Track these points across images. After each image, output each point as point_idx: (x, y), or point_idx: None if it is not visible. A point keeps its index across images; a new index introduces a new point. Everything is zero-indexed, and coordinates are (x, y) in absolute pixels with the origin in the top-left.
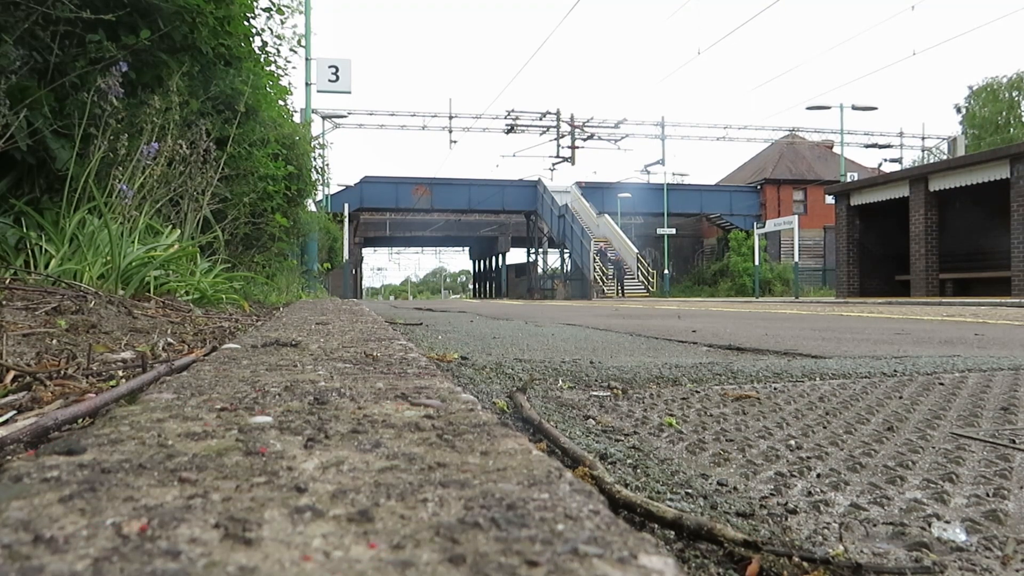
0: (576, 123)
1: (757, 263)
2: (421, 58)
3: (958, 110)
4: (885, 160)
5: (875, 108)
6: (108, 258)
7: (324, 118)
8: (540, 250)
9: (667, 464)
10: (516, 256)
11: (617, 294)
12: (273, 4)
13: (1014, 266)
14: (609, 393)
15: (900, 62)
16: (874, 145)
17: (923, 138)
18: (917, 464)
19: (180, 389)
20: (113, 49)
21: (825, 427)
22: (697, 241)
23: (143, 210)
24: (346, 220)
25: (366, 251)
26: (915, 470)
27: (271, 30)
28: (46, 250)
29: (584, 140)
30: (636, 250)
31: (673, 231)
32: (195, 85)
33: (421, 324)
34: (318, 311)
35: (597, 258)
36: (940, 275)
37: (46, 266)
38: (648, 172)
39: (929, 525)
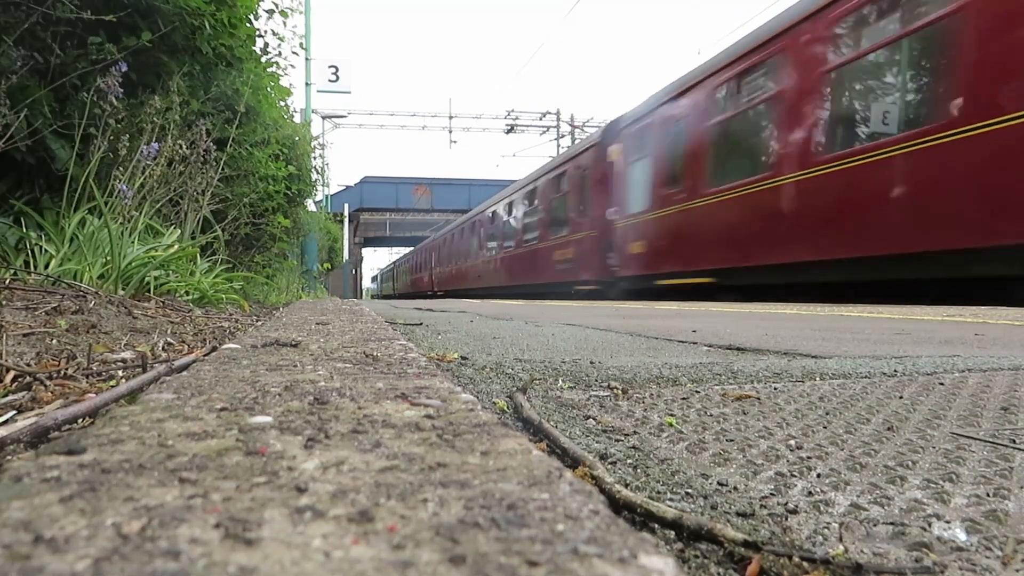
0: (576, 123)
1: None
2: (421, 58)
3: None
4: None
5: None
6: (108, 258)
7: (324, 118)
8: None
9: (667, 464)
10: None
11: None
12: (276, 6)
13: None
14: (609, 393)
15: None
16: None
17: None
18: (917, 464)
19: (180, 389)
20: (115, 52)
21: (826, 427)
22: None
23: (143, 210)
24: (346, 220)
25: (366, 251)
26: (915, 470)
27: (272, 31)
28: (46, 250)
29: None
30: None
31: None
32: (195, 85)
33: (421, 324)
34: (318, 311)
35: None
36: None
37: (46, 266)
38: None
39: (929, 525)
